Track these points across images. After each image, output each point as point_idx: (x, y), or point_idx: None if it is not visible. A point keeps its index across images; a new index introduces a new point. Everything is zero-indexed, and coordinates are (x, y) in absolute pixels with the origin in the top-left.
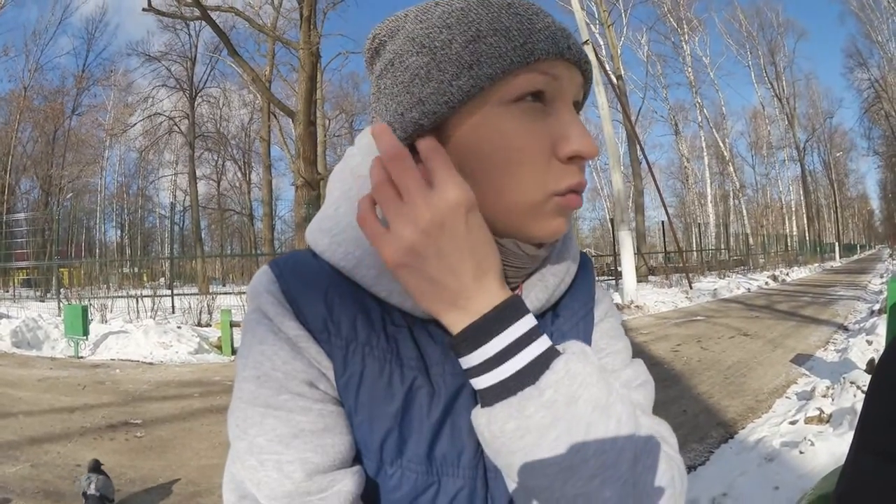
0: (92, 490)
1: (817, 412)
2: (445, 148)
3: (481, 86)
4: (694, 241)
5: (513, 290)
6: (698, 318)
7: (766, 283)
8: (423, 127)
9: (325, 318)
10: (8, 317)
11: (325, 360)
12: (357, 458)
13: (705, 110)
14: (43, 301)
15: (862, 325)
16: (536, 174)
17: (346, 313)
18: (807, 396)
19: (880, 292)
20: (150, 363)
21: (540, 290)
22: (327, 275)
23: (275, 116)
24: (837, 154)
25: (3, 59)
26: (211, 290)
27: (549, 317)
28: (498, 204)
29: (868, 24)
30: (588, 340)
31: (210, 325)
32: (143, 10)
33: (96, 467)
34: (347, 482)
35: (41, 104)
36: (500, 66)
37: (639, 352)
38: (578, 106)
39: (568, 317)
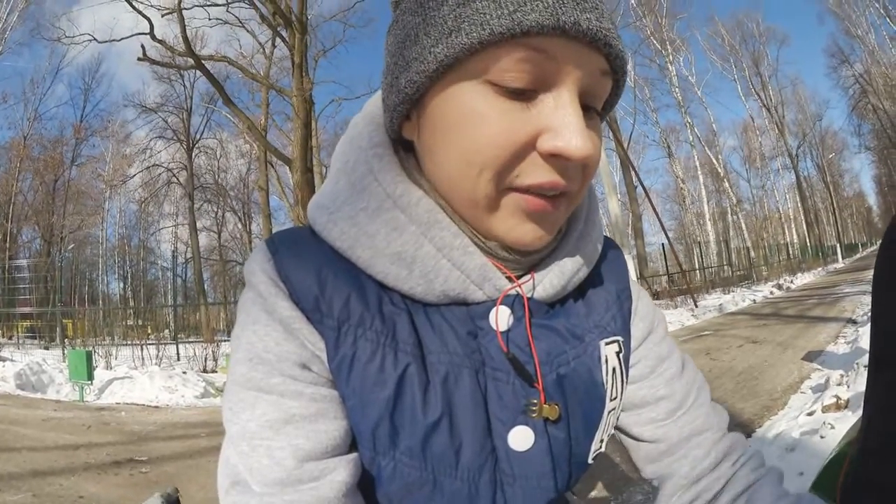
0: None
1: (834, 399)
2: (420, 121)
3: (456, 56)
4: (696, 260)
5: (520, 277)
6: (706, 332)
7: (772, 293)
8: (408, 96)
9: (317, 296)
10: (12, 360)
11: (318, 341)
12: (354, 445)
13: (696, 129)
14: (47, 349)
15: (870, 314)
16: (497, 160)
17: (338, 293)
18: (822, 388)
19: None
20: (156, 406)
21: (555, 275)
22: (324, 253)
23: (272, 166)
24: (830, 156)
25: (2, 106)
26: (216, 339)
27: (574, 305)
28: (452, 192)
29: (846, 19)
30: (626, 330)
31: (216, 371)
32: (139, 59)
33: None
34: (341, 471)
35: (40, 153)
36: (479, 35)
37: None
38: (595, 98)
39: (599, 302)
